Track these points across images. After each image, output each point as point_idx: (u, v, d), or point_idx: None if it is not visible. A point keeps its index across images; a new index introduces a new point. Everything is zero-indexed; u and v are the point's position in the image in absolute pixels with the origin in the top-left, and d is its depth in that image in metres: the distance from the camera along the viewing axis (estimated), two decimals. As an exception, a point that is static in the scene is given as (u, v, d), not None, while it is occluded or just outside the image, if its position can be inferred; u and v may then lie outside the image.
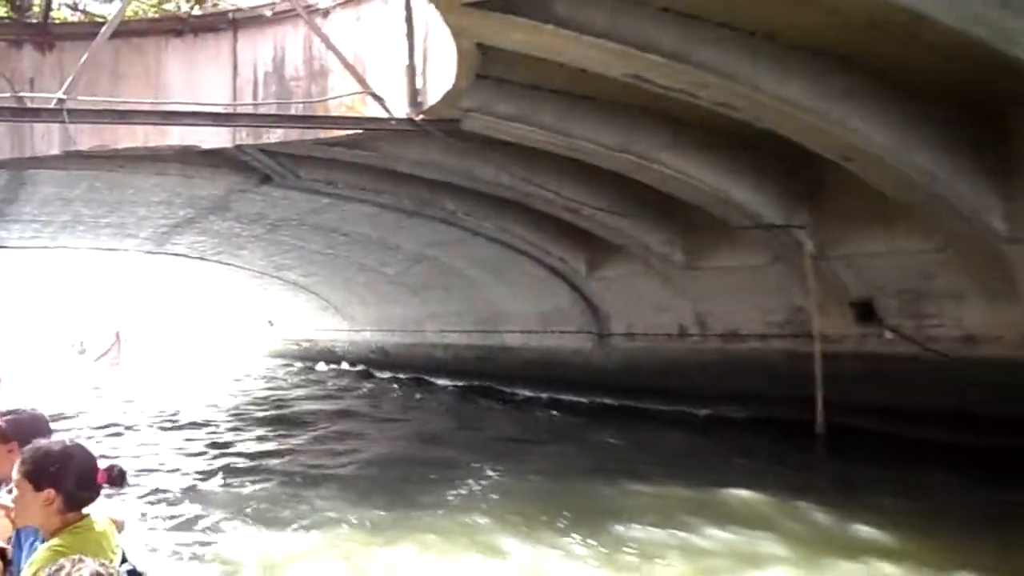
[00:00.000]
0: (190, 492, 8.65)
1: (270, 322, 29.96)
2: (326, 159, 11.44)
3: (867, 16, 6.02)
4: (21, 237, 18.38)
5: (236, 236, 17.86)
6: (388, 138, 10.25)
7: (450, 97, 8.64)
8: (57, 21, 12.02)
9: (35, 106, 9.87)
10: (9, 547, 3.16)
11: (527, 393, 16.61)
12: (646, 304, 13.06)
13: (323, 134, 10.43)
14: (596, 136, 8.96)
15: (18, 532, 3.09)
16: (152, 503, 8.04)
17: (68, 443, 2.86)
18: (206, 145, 10.97)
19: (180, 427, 13.75)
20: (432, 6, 7.12)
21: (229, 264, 22.16)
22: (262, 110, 10.92)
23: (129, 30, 10.85)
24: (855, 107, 7.07)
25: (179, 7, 12.10)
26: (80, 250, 21.71)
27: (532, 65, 7.74)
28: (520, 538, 6.72)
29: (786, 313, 10.81)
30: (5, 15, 11.88)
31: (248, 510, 7.80)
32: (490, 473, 9.12)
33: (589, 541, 6.56)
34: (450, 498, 8.13)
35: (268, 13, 10.93)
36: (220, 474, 9.55)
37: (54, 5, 12.03)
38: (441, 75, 8.70)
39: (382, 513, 7.52)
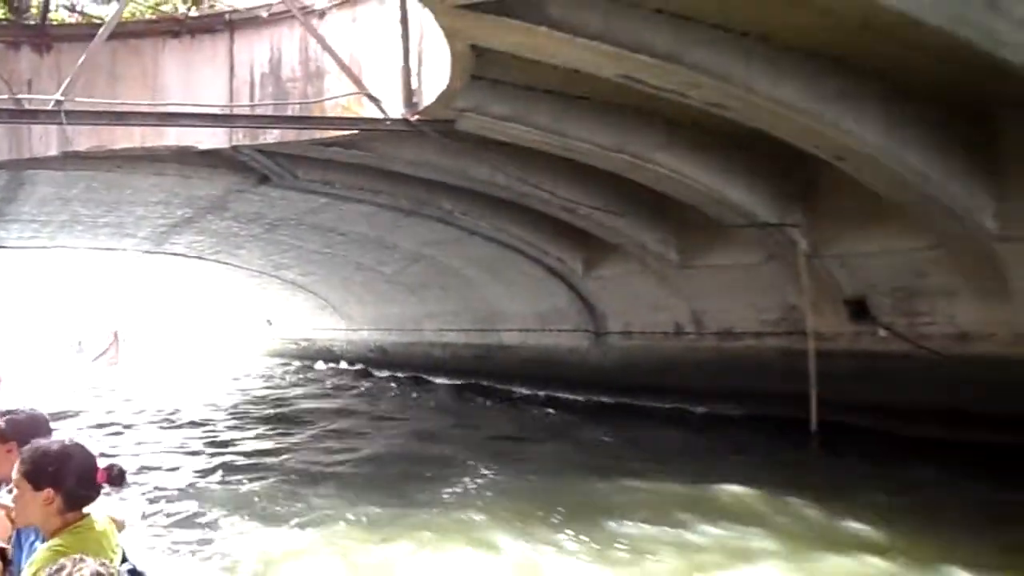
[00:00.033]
0: (189, 491, 8.68)
1: (268, 321, 29.96)
2: (323, 159, 11.47)
3: (860, 18, 6.03)
4: (20, 237, 18.40)
5: (234, 236, 17.88)
6: (384, 138, 10.29)
7: (445, 98, 8.68)
8: (55, 22, 12.03)
9: (33, 107, 9.89)
10: (9, 547, 3.17)
11: (524, 391, 16.66)
12: (642, 303, 13.09)
13: (319, 134, 10.48)
14: (591, 136, 9.00)
15: (18, 532, 3.10)
16: (152, 502, 8.05)
17: (67, 442, 2.86)
18: (203, 146, 11.01)
19: (179, 426, 13.77)
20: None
21: (227, 263, 22.17)
22: (259, 111, 10.96)
23: (126, 31, 10.90)
24: (848, 108, 7.10)
25: (176, 8, 12.13)
26: (78, 250, 21.68)
27: (526, 66, 7.76)
28: (516, 535, 6.75)
29: (780, 311, 10.85)
30: (3, 16, 11.91)
31: (247, 508, 7.84)
32: (486, 471, 9.15)
33: (584, 537, 6.60)
34: (447, 495, 8.17)
35: (264, 14, 10.96)
36: (219, 472, 9.58)
37: (52, 6, 12.05)
38: (436, 76, 8.75)
39: (379, 510, 7.55)
